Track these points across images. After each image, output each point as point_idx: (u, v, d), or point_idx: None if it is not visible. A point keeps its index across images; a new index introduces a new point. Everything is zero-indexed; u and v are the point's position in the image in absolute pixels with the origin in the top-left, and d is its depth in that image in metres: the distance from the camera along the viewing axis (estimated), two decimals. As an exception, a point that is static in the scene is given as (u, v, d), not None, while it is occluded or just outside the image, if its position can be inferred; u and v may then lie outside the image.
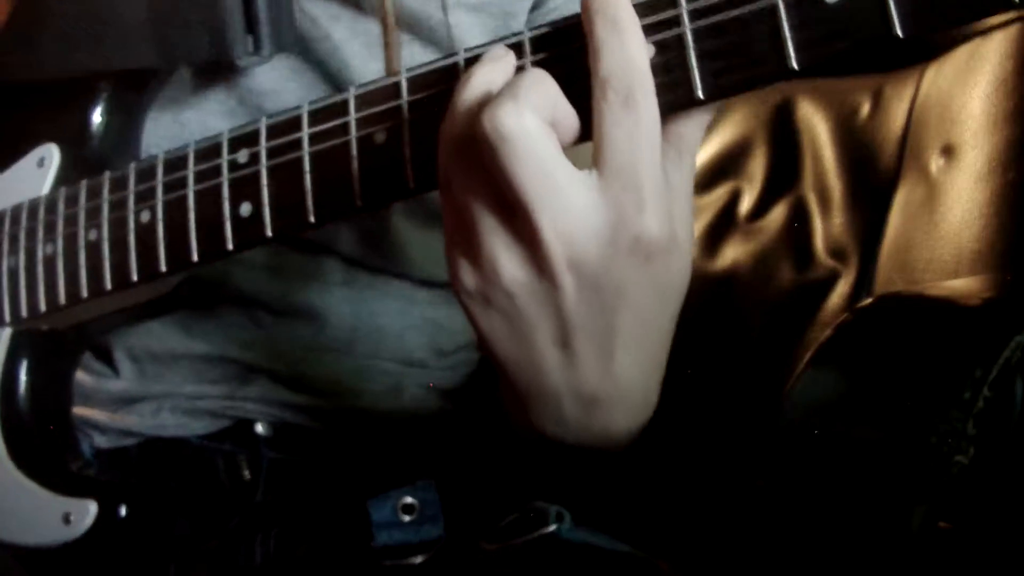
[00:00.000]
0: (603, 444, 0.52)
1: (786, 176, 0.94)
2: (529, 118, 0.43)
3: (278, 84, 0.69)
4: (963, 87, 0.82)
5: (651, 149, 0.44)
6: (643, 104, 0.44)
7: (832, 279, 0.86)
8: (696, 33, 0.45)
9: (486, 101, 0.45)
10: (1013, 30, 0.80)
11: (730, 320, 0.88)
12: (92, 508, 0.62)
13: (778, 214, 0.93)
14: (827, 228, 0.89)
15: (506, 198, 0.44)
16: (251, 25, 0.64)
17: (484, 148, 0.44)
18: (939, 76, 0.87)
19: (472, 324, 0.49)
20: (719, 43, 0.45)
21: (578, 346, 0.47)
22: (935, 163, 0.83)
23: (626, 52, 0.44)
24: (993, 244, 0.74)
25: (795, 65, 0.43)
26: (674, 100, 0.46)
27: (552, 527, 0.61)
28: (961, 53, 0.84)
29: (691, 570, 0.57)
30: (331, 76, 0.68)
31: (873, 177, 0.88)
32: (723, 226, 0.95)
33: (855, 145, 0.90)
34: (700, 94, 0.45)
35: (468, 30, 0.67)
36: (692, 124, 0.47)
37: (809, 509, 0.56)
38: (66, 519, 0.63)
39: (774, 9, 0.43)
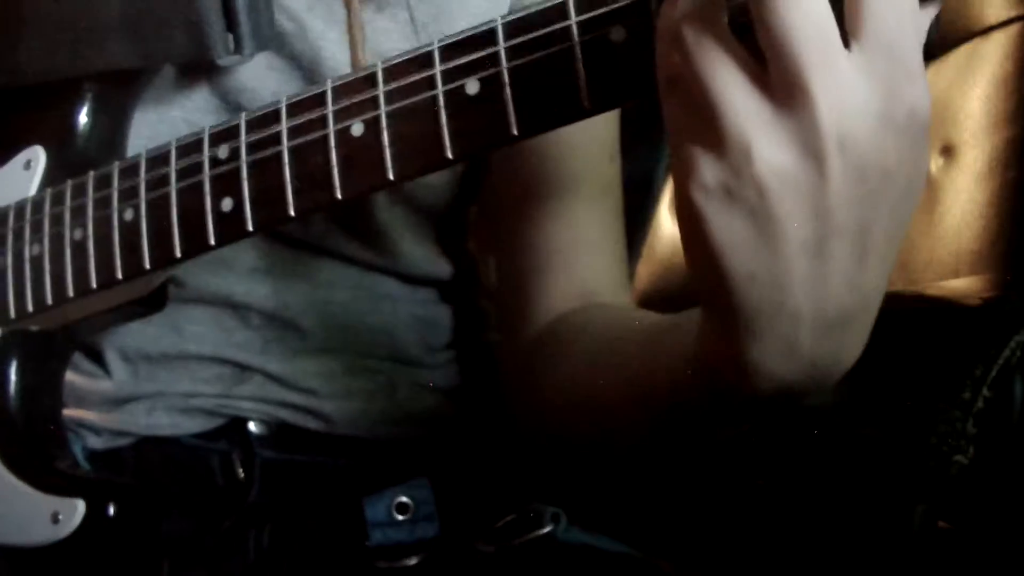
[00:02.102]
0: (820, 382, 0.44)
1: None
2: None
3: (257, 81, 0.69)
4: (963, 87, 0.82)
5: (914, 20, 0.39)
6: None
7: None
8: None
9: None
10: (1013, 30, 0.80)
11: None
12: (80, 507, 0.62)
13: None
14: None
15: (773, 68, 0.39)
16: (231, 24, 0.63)
17: (756, 6, 0.39)
18: (939, 76, 0.87)
19: (702, 236, 0.41)
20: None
21: (833, 250, 0.40)
22: (935, 163, 0.83)
23: None
24: (993, 244, 0.74)
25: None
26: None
27: (548, 528, 0.60)
28: (961, 53, 0.84)
29: (691, 570, 0.57)
30: (309, 70, 0.68)
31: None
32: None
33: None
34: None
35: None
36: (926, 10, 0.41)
37: (809, 509, 0.56)
38: (54, 518, 0.62)
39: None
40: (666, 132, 0.43)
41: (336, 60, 0.67)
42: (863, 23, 0.39)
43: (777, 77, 0.39)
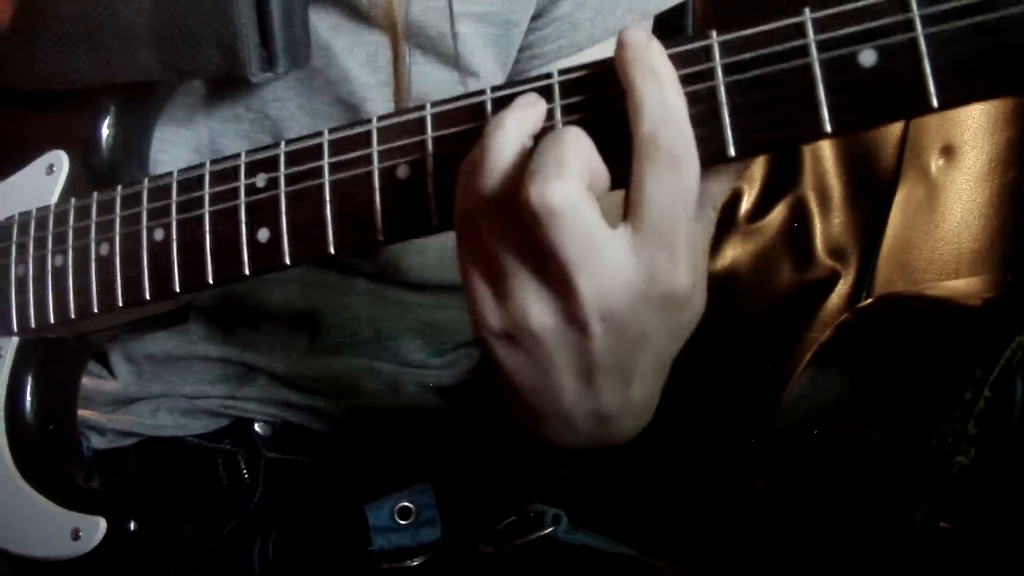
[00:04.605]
0: (608, 447, 0.54)
1: (786, 176, 0.94)
2: (574, 189, 0.43)
3: (281, 93, 0.68)
4: (963, 87, 0.82)
5: (689, 209, 0.44)
6: (686, 164, 0.43)
7: (832, 279, 0.86)
8: (729, 87, 0.44)
9: (523, 163, 0.45)
10: (1013, 30, 0.80)
11: (730, 320, 0.88)
12: (102, 525, 0.61)
13: (778, 214, 0.93)
14: (827, 228, 0.89)
15: (543, 255, 0.45)
16: (265, 40, 0.61)
17: (528, 218, 0.44)
18: (939, 76, 0.86)
19: (491, 358, 0.50)
20: (752, 99, 0.43)
21: (600, 381, 0.49)
22: (935, 163, 0.83)
23: (668, 108, 0.43)
24: (993, 244, 0.74)
25: (829, 128, 0.42)
26: (703, 155, 0.44)
27: (549, 529, 0.60)
28: (961, 53, 0.84)
29: (691, 570, 0.57)
30: (332, 87, 0.68)
31: (873, 177, 0.88)
32: (723, 226, 0.95)
33: (855, 145, 0.90)
34: (732, 151, 0.44)
35: (470, 40, 0.67)
36: (720, 180, 0.47)
37: (810, 509, 0.56)
38: (75, 535, 0.62)
39: (808, 68, 0.42)
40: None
41: (362, 81, 0.67)
42: (639, 210, 0.44)
43: (551, 271, 0.45)
